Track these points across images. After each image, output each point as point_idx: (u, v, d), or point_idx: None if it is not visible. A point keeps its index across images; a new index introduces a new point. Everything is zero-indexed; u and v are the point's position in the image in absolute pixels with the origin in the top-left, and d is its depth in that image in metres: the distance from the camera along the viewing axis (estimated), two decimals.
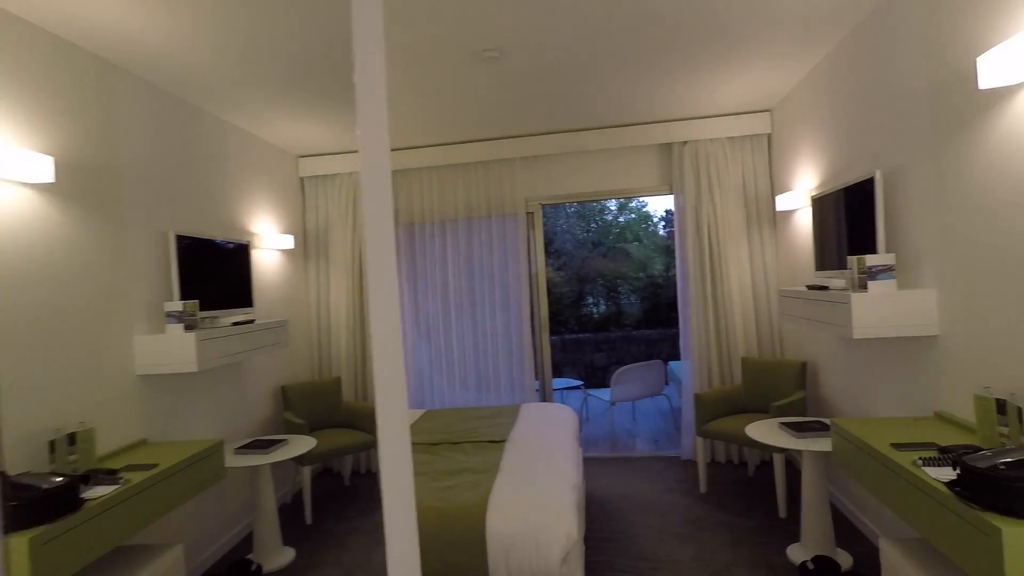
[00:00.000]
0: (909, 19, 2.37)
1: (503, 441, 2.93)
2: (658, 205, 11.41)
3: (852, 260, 2.46)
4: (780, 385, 3.77)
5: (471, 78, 3.29)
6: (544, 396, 4.86)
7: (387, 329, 0.68)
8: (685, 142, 4.39)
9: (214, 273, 3.32)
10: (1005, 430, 1.80)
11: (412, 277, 4.83)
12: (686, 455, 4.50)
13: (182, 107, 3.29)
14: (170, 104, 3.18)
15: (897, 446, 1.94)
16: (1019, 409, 1.72)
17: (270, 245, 4.13)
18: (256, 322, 3.45)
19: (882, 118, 2.64)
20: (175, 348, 2.74)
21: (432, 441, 2.99)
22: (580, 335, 8.91)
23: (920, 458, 1.76)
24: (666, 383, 6.75)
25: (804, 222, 3.69)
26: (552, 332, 10.21)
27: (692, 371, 4.38)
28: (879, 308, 2.34)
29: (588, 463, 4.59)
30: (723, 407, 3.89)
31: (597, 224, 11.62)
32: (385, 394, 0.71)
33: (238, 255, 3.58)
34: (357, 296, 4.77)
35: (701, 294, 4.36)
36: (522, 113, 4.04)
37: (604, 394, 5.83)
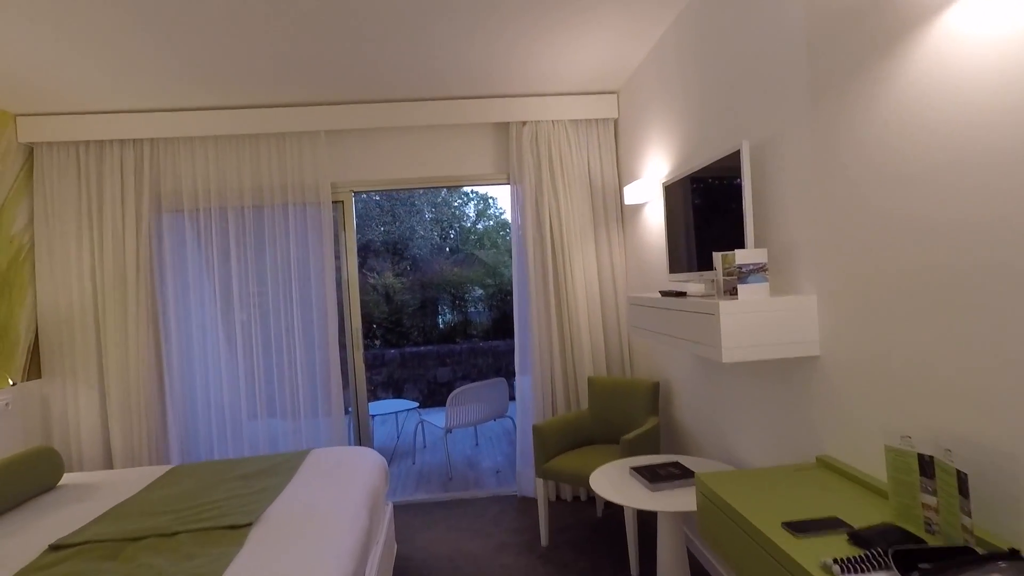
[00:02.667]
0: None
1: (248, 526, 1.95)
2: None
3: (718, 258, 1.87)
4: (630, 410, 3.20)
5: (241, 10, 2.30)
6: (358, 427, 3.91)
7: None
8: (524, 123, 3.72)
9: None
10: (931, 500, 1.24)
11: (182, 279, 3.62)
12: (527, 491, 3.81)
13: None
14: None
15: (792, 528, 1.31)
16: (961, 474, 1.16)
17: None
18: None
19: (747, 79, 2.11)
20: None
21: (130, 534, 1.92)
22: (423, 348, 8.02)
23: (836, 560, 1.13)
24: (512, 398, 6.12)
25: (654, 217, 3.17)
26: (392, 345, 9.26)
27: (533, 394, 3.70)
28: (752, 320, 1.76)
29: (415, 511, 3.72)
30: (567, 439, 3.23)
31: (456, 231, 10.91)
32: None
33: None
34: (94, 307, 3.48)
35: (543, 302, 3.70)
36: (324, 73, 3.09)
37: (443, 416, 4.98)
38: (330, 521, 2.00)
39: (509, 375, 7.42)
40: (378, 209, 10.26)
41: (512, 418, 5.42)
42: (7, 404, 3.15)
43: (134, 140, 3.53)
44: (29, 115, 3.43)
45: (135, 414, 3.47)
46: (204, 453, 3.61)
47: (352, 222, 3.84)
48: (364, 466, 2.64)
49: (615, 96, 3.74)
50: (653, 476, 2.20)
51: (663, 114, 2.97)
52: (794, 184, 1.85)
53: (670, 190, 2.61)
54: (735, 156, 1.98)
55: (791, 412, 1.94)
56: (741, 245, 1.95)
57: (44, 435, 3.45)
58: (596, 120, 3.78)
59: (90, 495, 2.42)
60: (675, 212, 2.57)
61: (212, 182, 3.61)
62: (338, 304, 3.72)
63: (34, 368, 3.43)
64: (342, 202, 3.81)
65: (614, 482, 2.28)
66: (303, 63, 2.99)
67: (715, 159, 2.12)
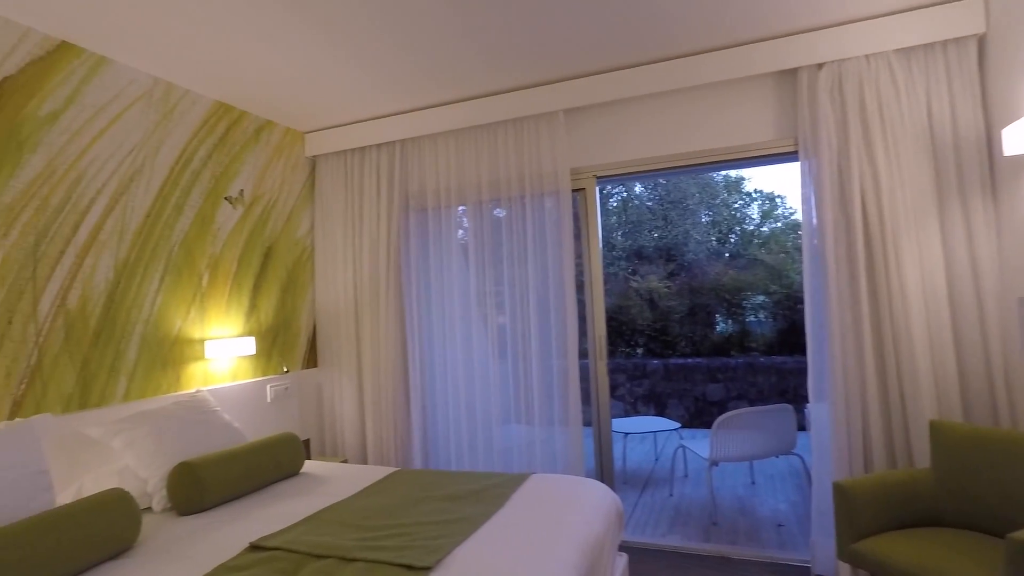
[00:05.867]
0: None
1: (425, 570, 1.57)
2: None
3: None
4: (1015, 484, 1.98)
5: None
6: (599, 447, 3.38)
7: None
8: (821, 65, 2.73)
9: None
10: None
11: (424, 279, 3.61)
12: (824, 569, 2.77)
13: None
14: None
15: None
16: None
17: None
18: None
19: None
20: None
21: (316, 549, 1.70)
22: (690, 360, 7.12)
23: None
24: (802, 428, 4.82)
25: None
26: (655, 355, 8.51)
27: (834, 432, 2.66)
28: None
29: (665, 561, 3.03)
30: (892, 510, 2.17)
31: (737, 235, 9.69)
32: None
33: None
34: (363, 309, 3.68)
35: (849, 311, 2.65)
36: (561, 42, 2.68)
37: (707, 443, 4.11)
38: None
39: (797, 400, 6.04)
40: (650, 215, 9.70)
41: (801, 456, 4.22)
42: (287, 388, 3.48)
43: (388, 143, 3.62)
44: (314, 131, 3.80)
45: (384, 410, 3.53)
46: (442, 454, 3.52)
47: (595, 213, 3.34)
48: (588, 507, 2.07)
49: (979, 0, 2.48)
50: None
51: None
52: None
53: None
54: None
55: None
56: None
57: (317, 420, 3.76)
58: (941, 43, 2.57)
59: (313, 489, 2.38)
60: None
61: (452, 178, 3.50)
62: (580, 307, 3.26)
63: (312, 358, 3.78)
64: (583, 190, 3.34)
65: None
66: (536, 34, 2.62)
67: None
